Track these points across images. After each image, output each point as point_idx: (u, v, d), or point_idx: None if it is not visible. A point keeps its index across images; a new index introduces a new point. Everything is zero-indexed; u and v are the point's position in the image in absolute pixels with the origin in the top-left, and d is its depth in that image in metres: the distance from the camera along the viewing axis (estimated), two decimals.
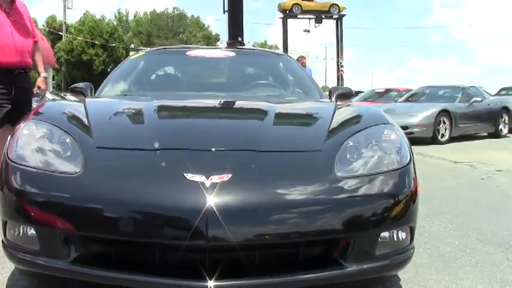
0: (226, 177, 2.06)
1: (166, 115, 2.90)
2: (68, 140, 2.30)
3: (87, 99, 3.13)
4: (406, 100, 13.77)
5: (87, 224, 2.03)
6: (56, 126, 2.39)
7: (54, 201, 2.08)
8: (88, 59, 35.89)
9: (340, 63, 23.14)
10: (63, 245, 2.06)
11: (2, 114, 3.85)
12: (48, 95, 12.79)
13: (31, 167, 2.18)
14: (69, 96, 10.29)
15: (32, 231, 2.11)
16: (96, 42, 37.10)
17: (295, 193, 2.11)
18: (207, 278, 1.95)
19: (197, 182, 2.02)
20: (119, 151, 2.31)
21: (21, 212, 2.13)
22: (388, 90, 17.51)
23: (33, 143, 2.31)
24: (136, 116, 2.73)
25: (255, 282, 2.01)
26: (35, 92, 4.29)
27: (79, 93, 3.81)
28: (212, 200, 1.95)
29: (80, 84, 4.03)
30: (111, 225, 2.01)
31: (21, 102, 3.90)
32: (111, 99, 3.50)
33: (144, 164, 2.20)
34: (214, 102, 3.30)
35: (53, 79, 20.43)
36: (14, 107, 3.89)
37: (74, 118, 2.57)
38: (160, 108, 2.85)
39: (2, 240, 2.24)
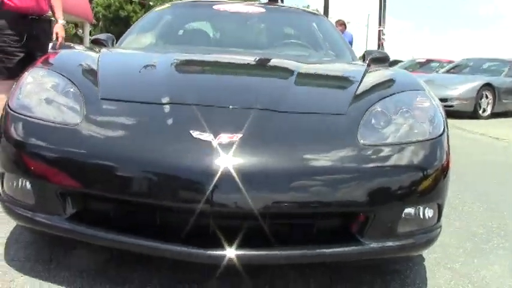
0: (236, 137, 1.87)
1: (183, 69, 2.70)
2: (72, 90, 2.14)
3: (102, 50, 2.96)
4: (448, 71, 13.24)
5: (83, 180, 1.88)
6: (62, 75, 2.23)
7: (50, 153, 1.92)
8: (126, 15, 35.74)
9: (382, 31, 22.44)
10: (59, 200, 1.92)
11: (13, 64, 3.68)
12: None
13: (31, 117, 2.03)
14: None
15: (28, 185, 1.97)
16: None
17: (312, 159, 1.91)
18: (213, 246, 1.81)
19: (203, 140, 1.85)
20: (123, 103, 2.13)
21: (18, 164, 2.00)
22: (429, 61, 16.90)
23: (36, 92, 2.16)
24: (150, 69, 2.53)
25: (273, 254, 1.87)
26: (53, 40, 4.11)
27: (101, 45, 3.64)
28: (218, 161, 1.77)
29: (102, 36, 3.86)
30: (107, 182, 1.85)
31: (34, 52, 3.71)
32: (127, 50, 3.31)
33: (149, 118, 2.03)
34: (235, 59, 3.07)
35: (90, 34, 20.34)
36: (27, 56, 3.70)
37: (83, 68, 2.40)
38: (178, 61, 2.67)
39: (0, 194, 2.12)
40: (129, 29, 3.93)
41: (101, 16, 33.97)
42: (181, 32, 4.09)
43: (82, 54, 2.75)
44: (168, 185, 1.82)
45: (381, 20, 22.84)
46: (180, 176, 1.81)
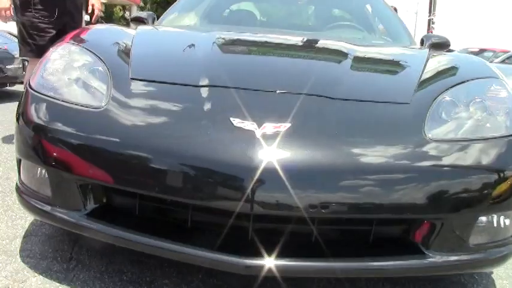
0: (283, 126, 1.60)
1: (225, 49, 2.42)
2: (100, 69, 1.90)
3: (139, 27, 2.71)
4: (503, 62, 12.56)
5: (105, 171, 1.63)
6: (91, 52, 1.99)
7: (70, 140, 1.67)
8: None
9: (432, 19, 21.66)
10: (79, 193, 1.69)
11: (45, 41, 3.48)
12: None
13: (52, 98, 1.80)
14: None
15: (46, 174, 1.74)
16: None
17: (371, 155, 1.62)
18: (254, 255, 1.55)
19: (246, 129, 1.58)
20: (155, 84, 1.87)
21: (36, 150, 1.76)
22: (482, 50, 16.16)
23: (60, 70, 1.93)
24: (189, 48, 2.26)
25: (325, 266, 1.60)
26: (87, 13, 3.87)
27: (141, 23, 3.40)
28: (262, 155, 1.50)
29: (143, 14, 3.63)
30: (132, 174, 1.60)
31: (67, 29, 3.47)
32: (166, 28, 3.05)
33: (183, 102, 1.77)
34: (283, 39, 2.76)
35: None
36: (59, 34, 3.47)
37: (116, 45, 2.16)
38: (220, 40, 2.39)
39: (16, 183, 1.91)
40: (171, 7, 3.68)
41: None
42: (226, 11, 3.80)
43: (117, 31, 2.50)
44: (202, 181, 1.55)
45: (431, 8, 22.07)
46: (216, 171, 1.54)
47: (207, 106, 1.70)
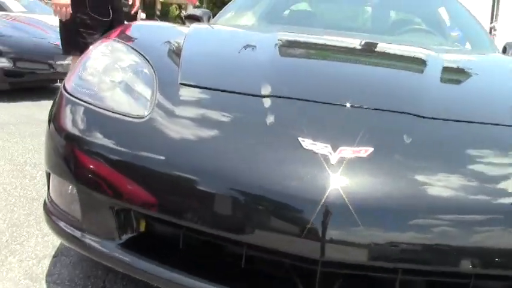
0: (364, 151, 1.28)
1: (290, 53, 2.10)
2: (145, 71, 1.63)
3: (192, 25, 2.43)
4: None
5: (146, 196, 1.34)
6: (137, 51, 1.72)
7: (106, 155, 1.40)
8: None
9: (494, 27, 20.73)
10: (114, 219, 1.41)
11: (94, 40, 3.18)
12: None
13: (88, 103, 1.53)
14: None
15: (77, 194, 1.47)
16: None
17: (477, 190, 1.28)
18: None
19: (318, 153, 1.27)
20: (208, 92, 1.58)
21: (66, 163, 1.50)
22: None
23: (101, 71, 1.67)
24: (249, 50, 1.97)
25: None
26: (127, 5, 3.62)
27: (196, 21, 3.13)
28: (339, 188, 1.19)
29: (197, 11, 3.38)
30: (176, 203, 1.32)
31: (114, 25, 3.24)
32: (223, 27, 2.76)
33: (242, 115, 1.47)
34: (355, 44, 2.42)
35: None
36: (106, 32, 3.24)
37: (165, 44, 1.90)
38: (284, 43, 2.08)
39: (44, 200, 1.65)
40: (227, 5, 3.40)
41: None
42: (286, 12, 3.49)
43: (168, 29, 2.24)
44: (262, 216, 1.24)
45: (494, 14, 21.13)
46: (280, 204, 1.23)
47: (270, 121, 1.39)
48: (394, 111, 1.47)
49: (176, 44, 1.86)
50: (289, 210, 1.22)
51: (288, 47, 2.12)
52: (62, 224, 1.53)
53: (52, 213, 1.57)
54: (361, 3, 3.56)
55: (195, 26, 2.39)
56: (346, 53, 2.27)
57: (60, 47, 3.49)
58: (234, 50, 1.97)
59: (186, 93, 1.54)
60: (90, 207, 1.44)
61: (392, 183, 1.22)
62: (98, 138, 1.44)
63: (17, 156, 3.23)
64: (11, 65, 5.01)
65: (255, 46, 1.94)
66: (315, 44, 2.34)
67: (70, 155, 1.47)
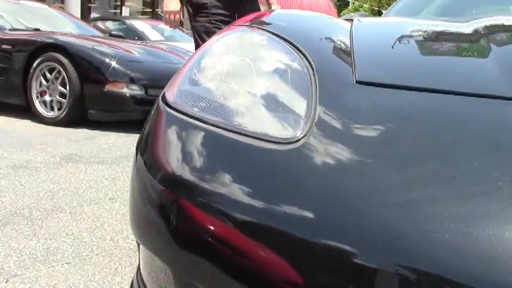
0: None
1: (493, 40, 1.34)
2: (299, 68, 0.97)
3: (351, 15, 1.74)
4: None
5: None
6: (284, 40, 1.07)
7: (227, 213, 0.75)
8: None
9: None
10: None
11: None
12: None
13: (203, 122, 0.90)
14: None
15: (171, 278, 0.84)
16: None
17: None
18: None
19: None
20: (414, 94, 0.88)
21: (158, 227, 0.87)
22: None
23: (224, 72, 1.04)
24: (445, 41, 1.25)
25: None
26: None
27: None
28: None
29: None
30: None
31: None
32: (398, 18, 2.04)
33: (479, 135, 0.76)
34: None
35: None
36: None
37: (323, 36, 1.22)
38: (493, 29, 1.34)
39: (132, 279, 1.04)
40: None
41: None
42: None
43: (318, 18, 1.57)
44: None
45: None
46: None
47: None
48: None
49: (339, 36, 1.18)
50: None
51: (500, 34, 1.36)
52: None
53: None
54: None
55: (357, 17, 1.71)
56: None
57: None
58: (426, 40, 1.25)
59: (366, 98, 0.85)
60: None
61: None
62: (216, 179, 0.79)
63: None
64: (143, 92, 4.67)
65: (452, 36, 1.21)
66: None
67: (169, 211, 0.84)
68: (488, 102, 0.81)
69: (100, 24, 8.76)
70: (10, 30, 5.32)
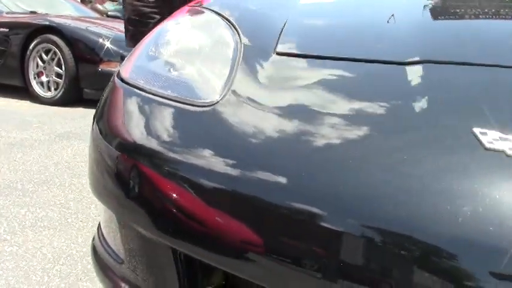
0: None
1: (443, 14, 1.45)
2: (228, 40, 1.10)
3: None
4: None
5: (210, 232, 0.80)
6: (223, 17, 1.20)
7: (159, 169, 0.89)
8: None
9: None
10: (174, 265, 0.90)
11: (148, 29, 2.75)
12: None
13: (145, 91, 1.04)
14: None
15: (118, 228, 1.00)
16: None
17: None
18: None
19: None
20: (323, 62, 1.00)
21: (106, 183, 1.02)
22: None
23: (173, 48, 1.18)
24: (381, 14, 1.36)
25: None
26: None
27: None
28: None
29: None
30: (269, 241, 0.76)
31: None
32: None
33: (379, 95, 0.88)
34: None
35: None
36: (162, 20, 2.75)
37: (260, 12, 1.33)
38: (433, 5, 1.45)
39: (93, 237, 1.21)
40: None
41: None
42: None
43: None
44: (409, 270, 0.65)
45: None
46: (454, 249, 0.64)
47: (421, 105, 0.79)
48: None
49: (277, 14, 1.30)
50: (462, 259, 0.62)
51: (437, 9, 1.47)
52: (105, 269, 1.05)
53: (101, 253, 1.11)
54: None
55: None
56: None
57: None
58: (362, 14, 1.37)
59: (280, 66, 0.98)
60: (137, 246, 0.95)
61: None
62: (145, 139, 0.94)
63: None
64: None
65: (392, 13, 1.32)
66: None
67: (110, 165, 0.99)
68: (380, 67, 0.94)
69: (98, 5, 8.86)
70: (7, 13, 5.45)
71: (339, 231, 0.69)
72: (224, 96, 0.92)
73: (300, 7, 1.37)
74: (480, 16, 1.31)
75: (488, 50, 0.97)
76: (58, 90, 4.78)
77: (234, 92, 0.93)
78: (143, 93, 1.05)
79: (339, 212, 0.70)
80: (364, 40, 1.11)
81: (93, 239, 1.19)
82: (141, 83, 1.08)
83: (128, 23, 2.97)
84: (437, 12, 1.36)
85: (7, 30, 5.09)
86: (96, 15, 6.55)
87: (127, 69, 1.18)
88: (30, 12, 5.52)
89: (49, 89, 4.88)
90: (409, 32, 1.08)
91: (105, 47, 4.70)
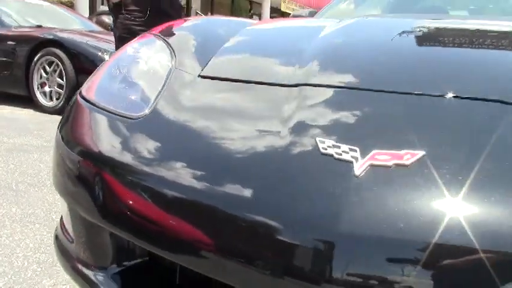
0: (418, 155, 0.87)
1: (349, 34, 1.53)
2: (168, 66, 1.36)
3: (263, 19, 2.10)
4: None
5: (135, 218, 1.05)
6: (170, 45, 1.47)
7: (96, 166, 1.15)
8: None
9: None
10: (110, 244, 1.15)
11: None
12: None
13: (96, 106, 1.31)
14: None
15: (68, 213, 1.27)
16: None
17: None
18: None
19: (339, 160, 0.89)
20: (229, 84, 1.26)
21: (62, 174, 1.28)
22: None
23: (125, 70, 1.44)
24: (303, 38, 1.58)
25: None
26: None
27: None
28: (356, 213, 0.81)
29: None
30: (147, 232, 1.02)
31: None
32: (300, 20, 2.39)
33: (262, 110, 1.13)
34: (440, 24, 1.77)
35: None
36: None
37: (210, 39, 1.55)
38: (347, 24, 1.64)
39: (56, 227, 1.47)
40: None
41: None
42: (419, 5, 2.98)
43: (228, 22, 1.92)
44: (273, 246, 0.86)
45: None
46: (294, 233, 0.84)
47: (290, 123, 1.03)
48: (488, 100, 1.01)
49: (219, 42, 1.52)
50: (295, 237, 0.85)
51: (347, 29, 1.60)
52: (61, 253, 1.32)
53: (59, 238, 1.37)
54: None
55: (260, 21, 2.07)
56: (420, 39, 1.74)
57: None
58: (287, 40, 1.62)
59: (200, 87, 1.24)
60: (79, 225, 1.21)
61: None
62: (92, 145, 1.20)
63: None
64: None
65: (309, 34, 1.55)
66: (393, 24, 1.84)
67: (74, 165, 1.25)
68: (269, 88, 1.18)
69: (105, 18, 9.19)
70: (15, 27, 5.78)
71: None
72: (151, 111, 1.18)
73: (244, 32, 1.62)
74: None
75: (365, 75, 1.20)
76: (59, 100, 5.09)
77: (156, 108, 1.18)
78: (95, 108, 1.31)
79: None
80: (275, 65, 1.36)
81: (56, 229, 1.44)
82: (94, 99, 1.34)
83: (119, 40, 3.25)
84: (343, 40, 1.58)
85: (14, 43, 5.41)
86: (100, 29, 6.86)
87: (87, 88, 1.44)
88: (37, 26, 5.84)
89: (51, 98, 5.19)
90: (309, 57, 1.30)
91: (104, 60, 5.00)
